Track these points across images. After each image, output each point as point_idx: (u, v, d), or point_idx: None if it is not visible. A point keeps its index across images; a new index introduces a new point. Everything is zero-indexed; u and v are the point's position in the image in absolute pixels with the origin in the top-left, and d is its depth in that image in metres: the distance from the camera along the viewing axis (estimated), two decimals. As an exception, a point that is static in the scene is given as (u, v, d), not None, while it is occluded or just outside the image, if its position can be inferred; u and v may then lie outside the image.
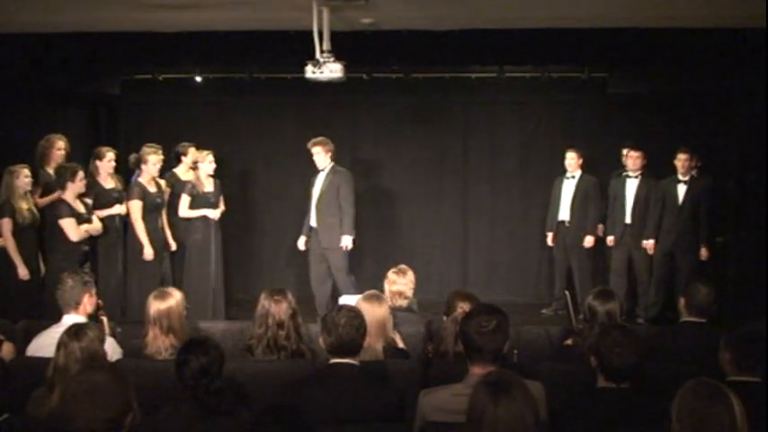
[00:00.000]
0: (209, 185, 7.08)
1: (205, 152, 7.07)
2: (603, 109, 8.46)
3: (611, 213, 7.55)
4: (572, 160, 7.66)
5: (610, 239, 7.54)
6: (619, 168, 7.65)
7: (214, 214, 7.02)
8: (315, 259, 7.29)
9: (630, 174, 7.42)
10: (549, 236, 7.84)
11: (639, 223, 7.35)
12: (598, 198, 7.64)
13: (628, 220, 7.43)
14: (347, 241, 7.09)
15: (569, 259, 7.76)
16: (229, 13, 5.70)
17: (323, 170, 7.19)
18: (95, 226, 6.31)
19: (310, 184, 7.29)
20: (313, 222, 7.22)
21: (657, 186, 7.33)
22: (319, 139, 7.18)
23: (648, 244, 7.30)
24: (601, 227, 7.67)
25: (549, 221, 7.85)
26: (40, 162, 6.49)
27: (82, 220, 6.20)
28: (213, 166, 7.06)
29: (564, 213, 7.71)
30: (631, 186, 7.41)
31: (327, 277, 7.25)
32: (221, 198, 7.20)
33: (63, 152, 6.58)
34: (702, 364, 3.55)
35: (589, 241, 7.59)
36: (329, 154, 7.15)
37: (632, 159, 7.38)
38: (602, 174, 7.77)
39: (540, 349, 4.75)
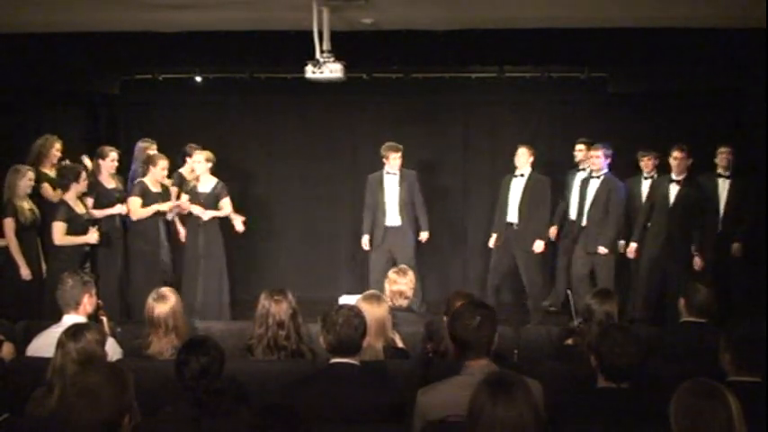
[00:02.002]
0: (203, 186, 6.99)
1: (197, 152, 7.02)
2: (603, 109, 8.46)
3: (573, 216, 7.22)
4: (522, 156, 7.27)
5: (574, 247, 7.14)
6: (636, 170, 7.39)
7: (197, 211, 6.88)
8: (380, 256, 7.54)
9: (593, 174, 7.05)
10: (493, 237, 7.47)
11: (595, 227, 6.94)
12: (548, 198, 7.32)
13: (584, 222, 7.05)
14: (425, 236, 7.60)
15: (515, 263, 7.35)
16: (229, 13, 5.70)
17: (392, 173, 7.51)
18: (87, 237, 6.19)
19: (377, 184, 7.52)
20: (389, 222, 7.52)
21: (654, 185, 7.01)
22: (396, 144, 7.48)
23: (631, 248, 6.94)
24: (553, 230, 7.49)
25: (495, 223, 7.51)
26: (36, 162, 6.48)
27: (80, 220, 6.20)
28: (200, 166, 6.92)
29: (512, 215, 7.31)
30: (592, 186, 7.03)
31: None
32: (223, 200, 7.04)
33: (59, 154, 6.60)
34: (702, 364, 3.56)
35: (539, 246, 7.20)
36: (402, 159, 7.51)
37: (588, 159, 7.09)
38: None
39: (540, 349, 4.76)
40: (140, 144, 7.12)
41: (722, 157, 6.93)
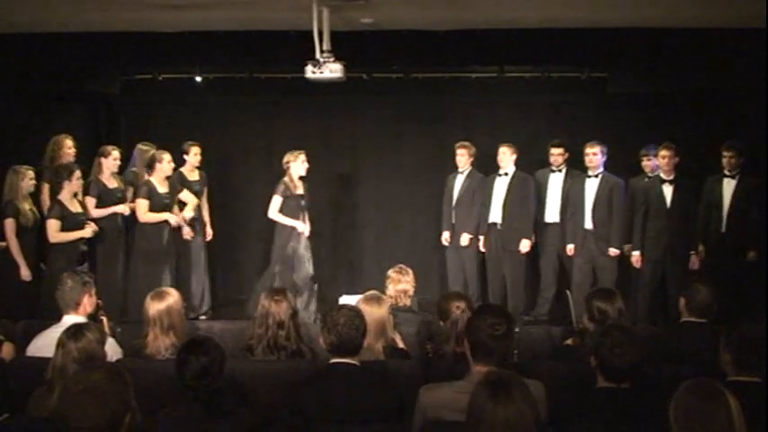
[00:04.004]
0: (301, 188, 6.98)
1: (297, 152, 6.91)
2: (603, 109, 8.45)
3: (569, 217, 7.04)
4: (504, 155, 7.23)
5: (570, 248, 7.00)
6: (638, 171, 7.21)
7: (303, 228, 6.92)
8: (452, 254, 7.63)
9: (590, 173, 6.89)
10: (481, 240, 7.39)
11: (602, 228, 6.78)
12: (533, 197, 7.25)
13: (588, 225, 6.86)
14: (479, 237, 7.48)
15: (501, 265, 7.31)
16: (229, 13, 5.71)
17: (461, 172, 7.56)
18: (83, 232, 6.18)
19: (448, 185, 7.66)
20: (454, 220, 7.59)
21: (638, 187, 6.84)
22: (462, 143, 7.56)
23: (635, 257, 6.73)
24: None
25: (481, 224, 7.41)
26: (51, 164, 6.48)
27: (76, 219, 6.20)
28: (306, 166, 6.92)
29: (495, 215, 7.28)
30: (591, 187, 6.86)
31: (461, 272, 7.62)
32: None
33: (73, 150, 6.59)
34: (702, 364, 3.56)
35: (525, 246, 7.16)
36: (471, 158, 7.50)
37: (588, 156, 6.87)
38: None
39: (540, 349, 4.76)
40: (141, 147, 7.09)
41: (725, 159, 6.72)
